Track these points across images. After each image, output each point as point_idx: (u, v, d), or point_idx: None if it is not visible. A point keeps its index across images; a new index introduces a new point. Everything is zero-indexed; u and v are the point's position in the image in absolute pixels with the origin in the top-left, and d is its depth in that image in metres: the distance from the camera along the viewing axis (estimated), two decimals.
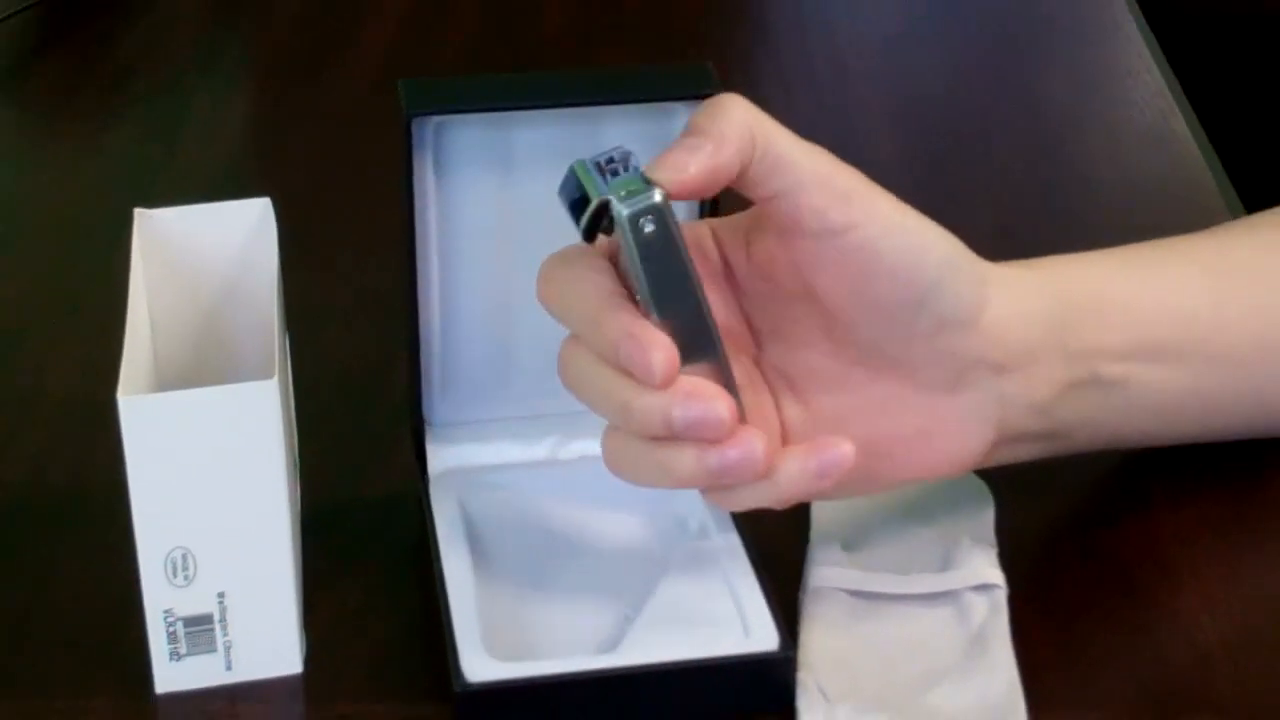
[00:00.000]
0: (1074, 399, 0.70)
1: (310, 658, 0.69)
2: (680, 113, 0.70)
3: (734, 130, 0.63)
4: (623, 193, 0.62)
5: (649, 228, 0.62)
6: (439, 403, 0.76)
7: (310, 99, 1.08)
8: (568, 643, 0.68)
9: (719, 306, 0.67)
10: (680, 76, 0.71)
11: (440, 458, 0.75)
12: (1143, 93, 1.06)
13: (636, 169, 0.63)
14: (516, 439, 0.76)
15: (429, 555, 0.71)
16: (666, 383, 0.62)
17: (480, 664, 0.66)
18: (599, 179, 0.63)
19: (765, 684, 0.67)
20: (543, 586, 0.71)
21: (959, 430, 0.68)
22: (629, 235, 0.62)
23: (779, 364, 0.68)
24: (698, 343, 0.64)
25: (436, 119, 0.69)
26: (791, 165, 0.64)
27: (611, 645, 0.68)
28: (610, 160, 0.63)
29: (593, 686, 0.66)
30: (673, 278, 0.63)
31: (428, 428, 0.75)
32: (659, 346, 0.62)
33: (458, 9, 1.17)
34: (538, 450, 0.75)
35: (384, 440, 0.79)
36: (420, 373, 0.74)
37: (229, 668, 0.68)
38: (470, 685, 0.65)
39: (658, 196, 0.62)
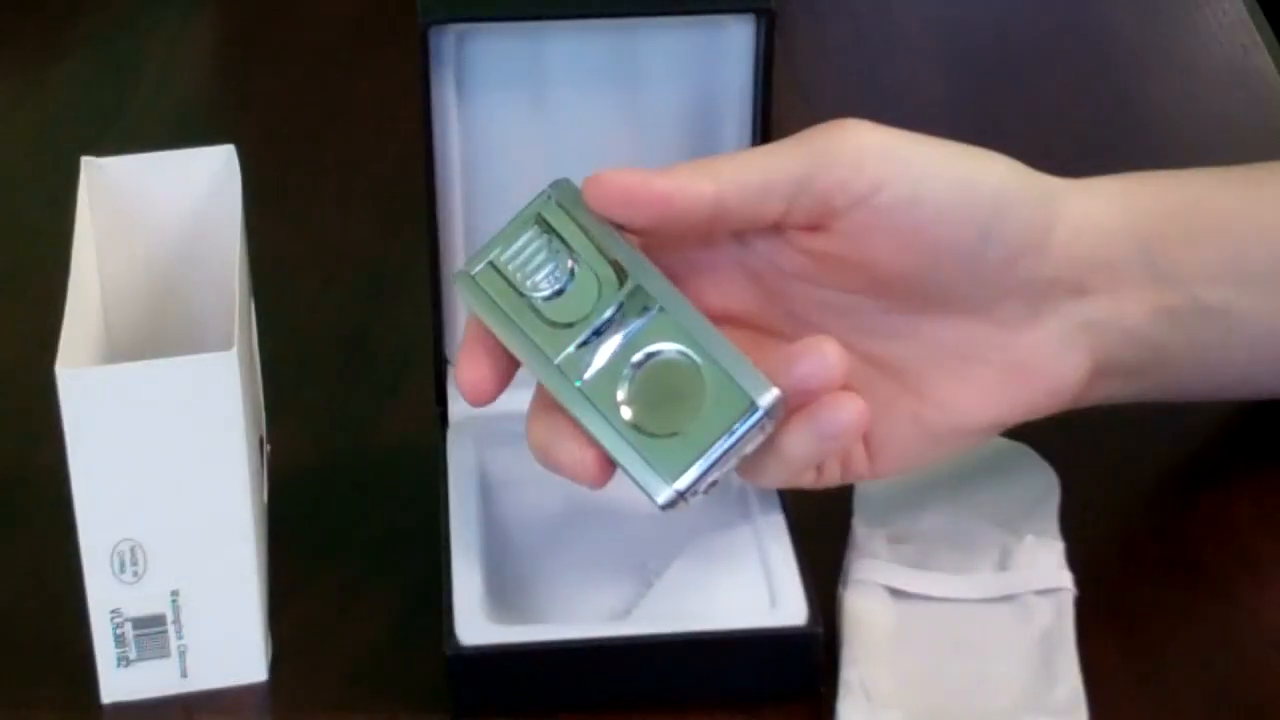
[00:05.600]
0: (1170, 326, 0.71)
1: (276, 664, 0.69)
2: (728, 25, 0.70)
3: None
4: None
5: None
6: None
7: (279, 35, 1.08)
8: (583, 608, 0.69)
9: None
10: None
11: (462, 401, 0.74)
12: (1220, 23, 1.07)
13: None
14: None
15: (408, 546, 0.72)
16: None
17: (477, 626, 0.66)
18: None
19: (790, 662, 0.67)
20: (559, 547, 0.72)
21: (1050, 363, 0.69)
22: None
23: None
24: None
25: (458, 28, 0.68)
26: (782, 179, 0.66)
27: (630, 611, 0.68)
28: None
29: (597, 655, 0.66)
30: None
31: (450, 368, 0.75)
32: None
33: None
34: None
35: (361, 419, 0.80)
36: (441, 309, 0.74)
37: (184, 675, 0.68)
38: (463, 648, 0.65)
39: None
